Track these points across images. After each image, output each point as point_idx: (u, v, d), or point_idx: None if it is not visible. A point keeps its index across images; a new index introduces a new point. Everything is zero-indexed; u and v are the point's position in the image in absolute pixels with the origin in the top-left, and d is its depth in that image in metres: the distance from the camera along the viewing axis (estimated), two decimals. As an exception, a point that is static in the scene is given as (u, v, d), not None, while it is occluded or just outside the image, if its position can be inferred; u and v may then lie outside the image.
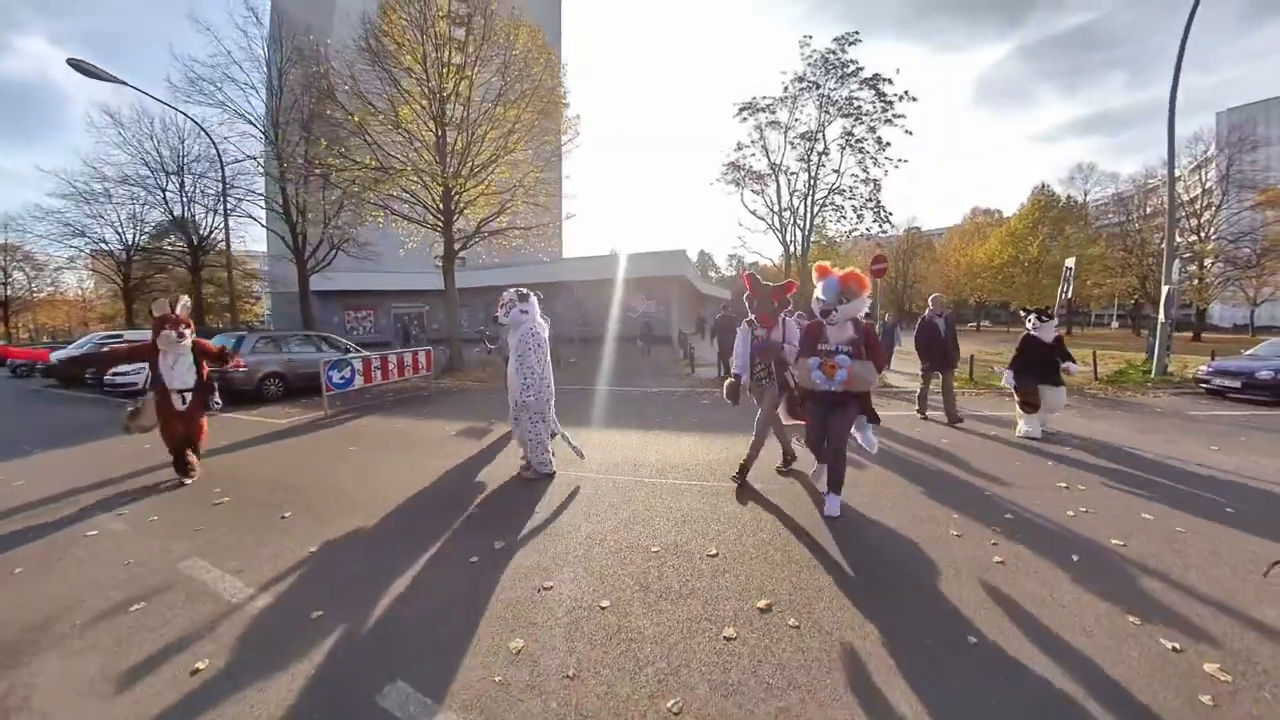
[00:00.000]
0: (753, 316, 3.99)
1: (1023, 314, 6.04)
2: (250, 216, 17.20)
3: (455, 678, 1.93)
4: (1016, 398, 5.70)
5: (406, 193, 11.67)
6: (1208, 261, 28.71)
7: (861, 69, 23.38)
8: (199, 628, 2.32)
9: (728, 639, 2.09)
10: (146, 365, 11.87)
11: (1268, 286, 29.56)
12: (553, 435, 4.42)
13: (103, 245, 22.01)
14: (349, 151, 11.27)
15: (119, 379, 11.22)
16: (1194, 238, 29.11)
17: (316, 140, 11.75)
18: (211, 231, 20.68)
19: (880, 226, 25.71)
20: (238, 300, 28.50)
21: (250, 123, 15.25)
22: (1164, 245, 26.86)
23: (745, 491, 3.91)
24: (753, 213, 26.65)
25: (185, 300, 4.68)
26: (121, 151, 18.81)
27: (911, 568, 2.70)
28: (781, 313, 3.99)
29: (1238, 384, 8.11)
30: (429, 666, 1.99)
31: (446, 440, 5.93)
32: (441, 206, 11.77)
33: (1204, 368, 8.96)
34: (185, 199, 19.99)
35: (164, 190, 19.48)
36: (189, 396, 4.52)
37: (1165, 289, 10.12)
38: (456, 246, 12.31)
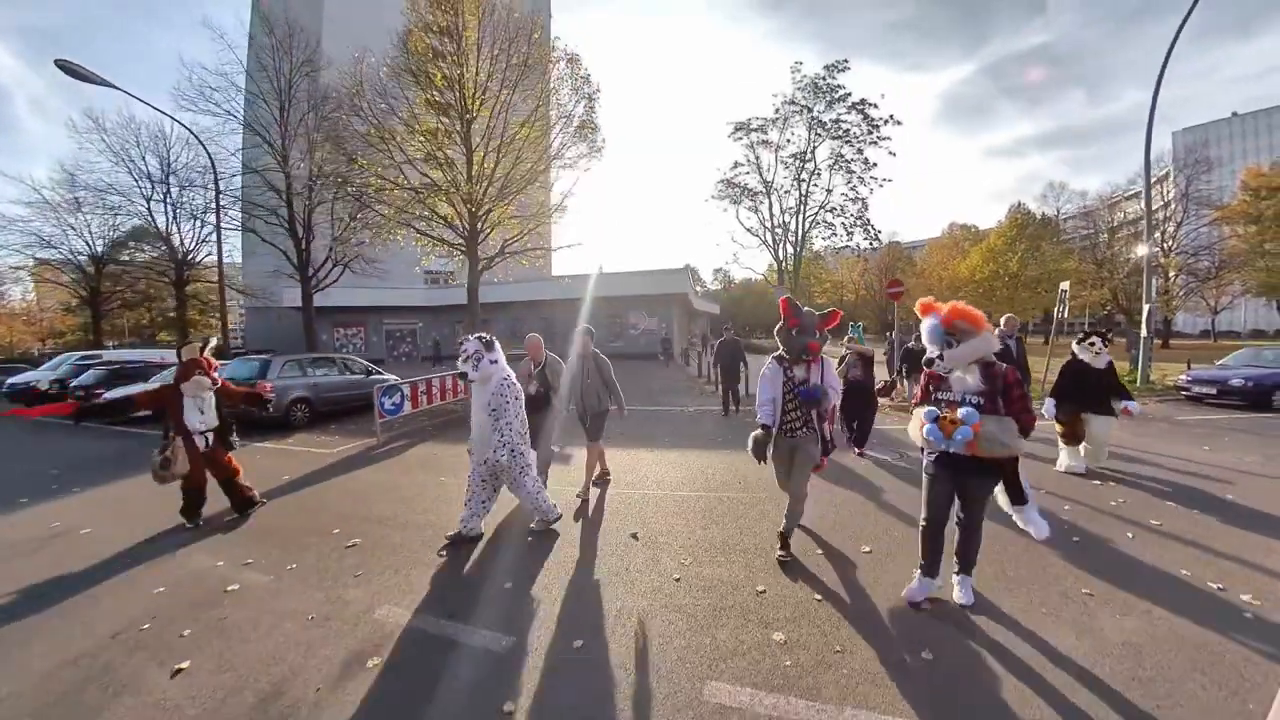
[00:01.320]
0: (784, 352, 3.37)
1: (1080, 338, 5.43)
2: (252, 231, 17.32)
3: (756, 669, 2.34)
4: (1058, 427, 5.38)
5: (433, 212, 12.27)
6: (1171, 273, 31.57)
7: (849, 94, 25.33)
8: (470, 676, 2.42)
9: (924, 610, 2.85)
10: (144, 390, 11.72)
11: (1226, 296, 32.70)
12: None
13: (73, 256, 21.57)
14: (383, 171, 11.83)
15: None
16: (1157, 250, 32.02)
17: (352, 157, 12.21)
18: (197, 244, 20.63)
19: (870, 243, 27.62)
20: (205, 314, 28.11)
21: (258, 133, 15.55)
22: (1132, 259, 29.04)
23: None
24: (749, 230, 28.22)
25: (213, 341, 4.78)
26: (104, 159, 18.72)
27: (1019, 549, 3.53)
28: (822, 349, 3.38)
29: (1214, 391, 9.53)
30: (728, 664, 2.38)
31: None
32: (468, 227, 12.41)
33: (1184, 377, 10.40)
34: (171, 209, 19.91)
35: (149, 200, 19.40)
36: (210, 438, 4.54)
37: (1147, 307, 11.60)
38: (480, 266, 12.93)
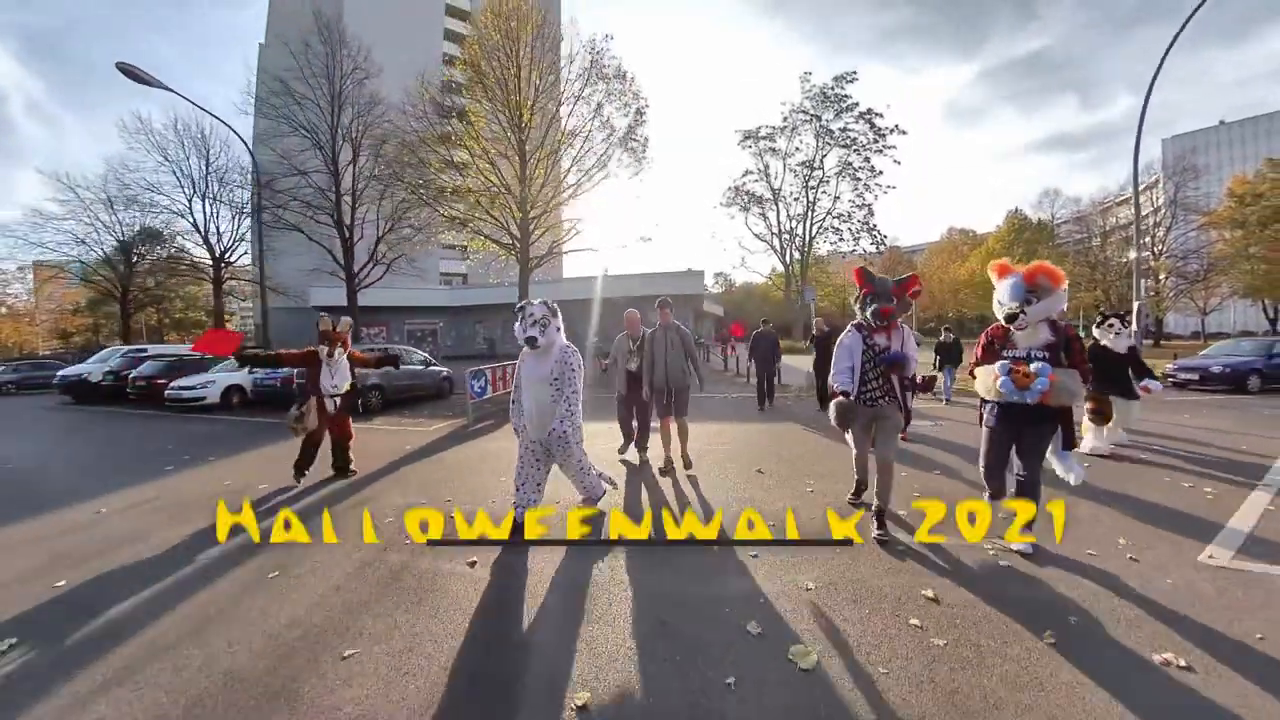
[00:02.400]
0: (861, 320, 3.55)
1: (1099, 321, 5.77)
2: (298, 229, 18.33)
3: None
4: (1086, 405, 5.37)
5: (489, 214, 13.53)
6: (1161, 276, 33.54)
7: (857, 104, 27.02)
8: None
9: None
10: (214, 379, 12.80)
11: (1215, 297, 34.76)
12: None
13: (106, 254, 22.49)
14: (443, 173, 13.08)
15: (184, 393, 11.97)
16: (1148, 253, 34.00)
17: (421, 158, 13.38)
18: (235, 241, 21.64)
19: (877, 247, 29.27)
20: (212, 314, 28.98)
21: (307, 135, 16.61)
22: (1124, 262, 30.75)
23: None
24: (757, 236, 29.76)
25: (346, 320, 5.55)
26: (151, 158, 19.80)
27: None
28: (902, 317, 3.54)
29: (1197, 376, 11.10)
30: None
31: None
32: (519, 230, 13.68)
33: (1170, 366, 11.99)
34: (210, 207, 20.94)
35: (190, 199, 20.45)
36: (339, 401, 5.23)
37: (1136, 304, 13.14)
38: (531, 265, 14.19)
